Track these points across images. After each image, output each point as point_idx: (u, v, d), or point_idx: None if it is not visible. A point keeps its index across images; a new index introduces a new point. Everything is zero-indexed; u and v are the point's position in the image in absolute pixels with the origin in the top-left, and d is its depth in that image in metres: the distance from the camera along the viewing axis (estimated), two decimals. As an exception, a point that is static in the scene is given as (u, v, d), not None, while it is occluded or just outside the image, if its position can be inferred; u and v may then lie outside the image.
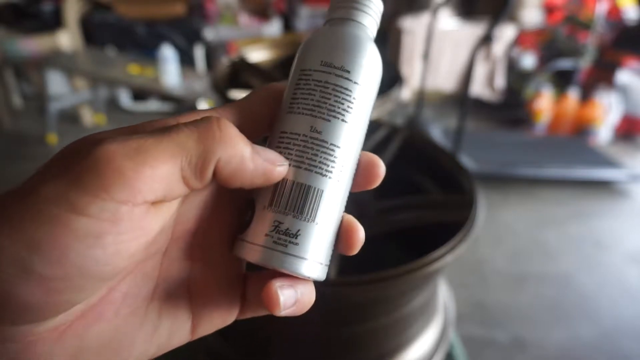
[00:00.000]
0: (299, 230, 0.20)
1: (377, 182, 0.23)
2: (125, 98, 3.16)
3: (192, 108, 2.44)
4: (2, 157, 2.62)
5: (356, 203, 0.62)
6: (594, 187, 2.52)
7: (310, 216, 0.20)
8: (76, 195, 0.15)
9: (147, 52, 2.87)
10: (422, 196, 0.66)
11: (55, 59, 2.65)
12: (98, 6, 3.00)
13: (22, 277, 0.15)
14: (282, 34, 3.47)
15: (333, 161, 0.21)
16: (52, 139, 2.75)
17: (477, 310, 1.76)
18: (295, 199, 0.20)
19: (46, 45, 2.75)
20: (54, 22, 2.86)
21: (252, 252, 0.20)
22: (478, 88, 3.27)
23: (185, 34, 2.99)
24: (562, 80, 3.11)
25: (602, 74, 3.03)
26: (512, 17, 3.28)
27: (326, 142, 0.20)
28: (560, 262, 2.02)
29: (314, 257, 0.20)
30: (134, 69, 2.51)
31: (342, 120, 0.21)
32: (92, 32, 2.95)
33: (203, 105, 2.35)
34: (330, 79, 0.21)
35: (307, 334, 0.51)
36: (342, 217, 0.22)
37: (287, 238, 0.20)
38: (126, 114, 3.13)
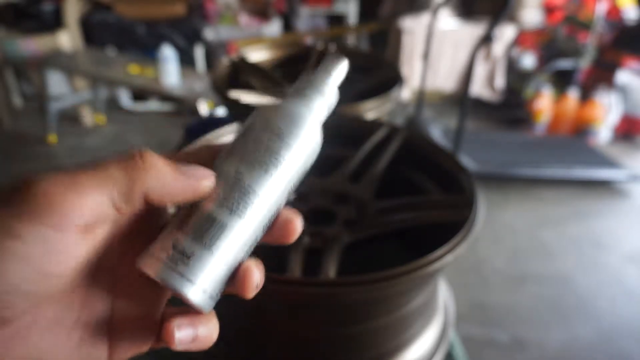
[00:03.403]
0: (192, 253, 0.21)
1: (293, 237, 0.24)
2: (125, 98, 3.16)
3: (192, 108, 2.44)
4: (2, 157, 2.62)
5: (356, 203, 0.62)
6: (594, 187, 2.52)
7: (207, 244, 0.22)
8: (11, 221, 0.17)
9: (147, 52, 2.87)
10: (422, 196, 0.66)
11: (55, 59, 2.65)
12: (98, 6, 3.00)
13: None
14: (282, 34, 3.47)
15: (246, 203, 0.22)
16: (52, 139, 2.75)
17: (477, 310, 1.76)
18: (201, 225, 0.22)
19: (46, 45, 2.75)
20: (54, 22, 2.86)
21: (148, 263, 0.22)
22: (478, 88, 3.27)
23: (185, 34, 2.99)
24: (562, 80, 3.11)
25: (602, 74, 3.03)
26: (512, 17, 3.28)
27: (244, 185, 0.23)
28: (559, 262, 2.02)
29: (200, 283, 0.21)
30: (134, 69, 2.51)
31: (266, 171, 0.23)
32: (92, 32, 2.95)
33: (203, 105, 2.35)
34: (264, 137, 0.24)
35: (307, 334, 0.51)
36: (244, 259, 0.23)
37: (180, 257, 0.21)
38: (126, 114, 3.13)
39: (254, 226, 0.23)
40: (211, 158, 0.24)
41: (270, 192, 0.23)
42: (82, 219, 0.18)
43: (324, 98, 0.26)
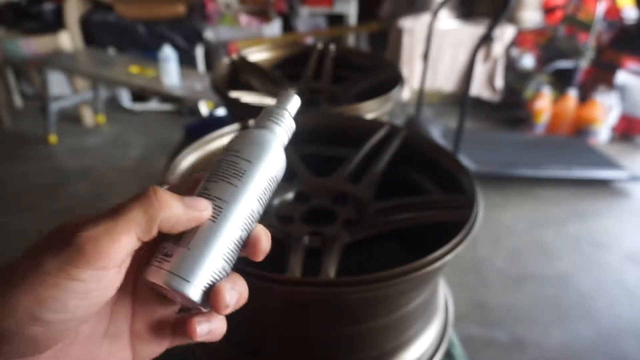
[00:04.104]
0: (173, 252, 0.26)
1: (260, 256, 0.29)
2: (125, 98, 3.16)
3: (193, 108, 2.44)
4: (2, 157, 2.62)
5: (356, 203, 0.62)
6: (593, 187, 2.52)
7: (184, 244, 0.26)
8: (70, 268, 0.23)
9: (147, 52, 2.87)
10: (422, 196, 0.66)
11: (55, 59, 2.65)
12: (98, 6, 3.00)
13: (31, 322, 0.22)
14: (282, 34, 3.48)
15: (216, 210, 0.27)
16: (53, 139, 2.75)
17: (477, 310, 1.76)
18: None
19: (47, 46, 2.76)
20: (55, 22, 2.86)
21: (146, 271, 0.26)
22: (478, 88, 3.27)
23: (186, 34, 2.99)
24: (561, 80, 3.11)
25: (602, 74, 3.04)
26: (512, 18, 3.28)
27: (211, 195, 0.28)
28: (559, 262, 2.02)
29: (182, 274, 0.26)
30: (134, 69, 2.51)
31: (228, 182, 0.28)
32: (92, 32, 2.95)
33: (203, 105, 2.35)
34: (226, 156, 0.29)
35: (307, 334, 0.51)
36: (230, 260, 0.27)
37: (164, 257, 0.26)
38: (126, 114, 3.14)
39: (226, 226, 0.27)
40: (194, 186, 0.29)
41: (237, 199, 0.27)
42: (120, 260, 0.24)
43: (282, 125, 0.32)
